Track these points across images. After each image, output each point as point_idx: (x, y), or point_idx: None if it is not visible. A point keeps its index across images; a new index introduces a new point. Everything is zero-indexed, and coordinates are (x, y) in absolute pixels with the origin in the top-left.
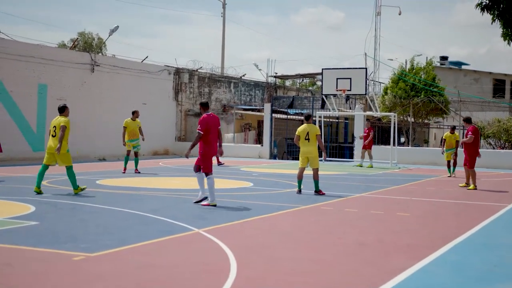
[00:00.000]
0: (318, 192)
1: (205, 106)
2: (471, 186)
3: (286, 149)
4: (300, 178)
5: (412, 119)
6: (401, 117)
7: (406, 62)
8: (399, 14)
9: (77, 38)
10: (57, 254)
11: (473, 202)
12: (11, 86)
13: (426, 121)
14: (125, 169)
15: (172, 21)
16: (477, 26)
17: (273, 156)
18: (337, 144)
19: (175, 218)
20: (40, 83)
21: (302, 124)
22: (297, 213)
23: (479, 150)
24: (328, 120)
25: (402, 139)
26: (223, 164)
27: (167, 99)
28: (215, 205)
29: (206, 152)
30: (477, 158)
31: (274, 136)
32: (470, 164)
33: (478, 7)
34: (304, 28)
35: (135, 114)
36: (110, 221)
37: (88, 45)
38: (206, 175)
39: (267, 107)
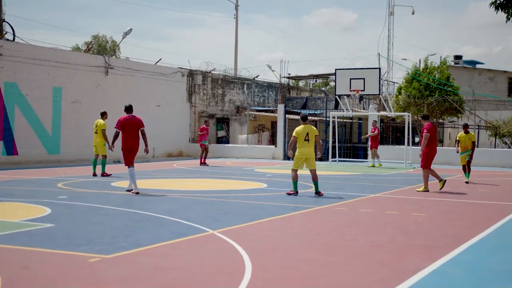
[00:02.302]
0: (318, 193)
1: (126, 109)
2: (421, 188)
3: None
4: (296, 179)
5: None
6: (415, 117)
7: (420, 61)
8: (412, 13)
9: (91, 41)
10: (73, 256)
11: (488, 202)
12: (26, 89)
13: (440, 120)
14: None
15: (185, 23)
16: (491, 25)
17: (287, 157)
18: (351, 145)
19: (190, 219)
20: (55, 86)
21: (303, 124)
22: (312, 214)
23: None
24: (341, 120)
25: (417, 139)
26: (207, 164)
27: (180, 101)
28: (137, 193)
29: (122, 147)
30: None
31: (288, 137)
32: (424, 163)
33: (492, 5)
34: (317, 29)
35: (105, 115)
36: (125, 223)
37: (102, 48)
38: (128, 167)
39: (281, 108)
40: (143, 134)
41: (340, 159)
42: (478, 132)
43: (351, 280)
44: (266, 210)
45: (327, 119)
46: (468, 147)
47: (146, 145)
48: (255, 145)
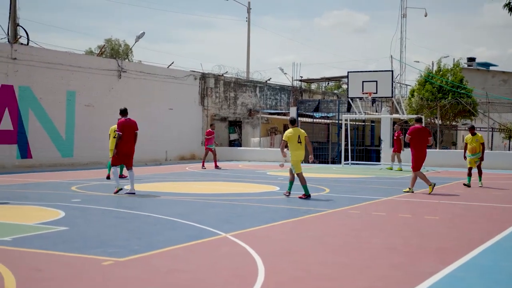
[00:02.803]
0: (307, 196)
1: (121, 113)
2: (406, 189)
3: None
4: (293, 179)
5: (440, 122)
6: (429, 120)
7: (432, 64)
8: (425, 15)
9: (104, 45)
10: (86, 259)
11: (503, 205)
12: (40, 93)
13: (454, 123)
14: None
15: (198, 26)
16: (505, 26)
17: None
18: (364, 147)
19: (202, 222)
20: (68, 90)
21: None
22: (324, 217)
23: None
24: (354, 123)
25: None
26: (219, 168)
27: (193, 104)
28: (119, 189)
29: (120, 151)
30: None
31: None
32: (414, 166)
33: (506, 7)
34: (329, 32)
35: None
36: (138, 226)
37: (115, 52)
38: (128, 169)
39: (293, 110)
40: (136, 138)
41: (352, 162)
42: (492, 135)
43: (365, 283)
44: (278, 213)
45: (340, 122)
46: (476, 150)
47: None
48: (268, 148)
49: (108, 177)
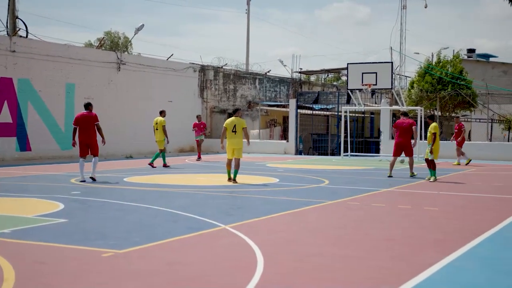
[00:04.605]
0: (234, 180)
1: (84, 107)
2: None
3: (312, 144)
4: (229, 168)
5: (439, 113)
6: (428, 111)
7: (432, 55)
8: (425, 7)
9: (103, 38)
10: (87, 251)
11: (502, 195)
12: (39, 85)
13: (453, 114)
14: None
15: (198, 19)
16: (505, 18)
17: (298, 152)
18: (363, 139)
19: (202, 214)
20: (67, 83)
21: (230, 117)
22: (324, 209)
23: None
24: (353, 115)
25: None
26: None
27: (192, 96)
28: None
29: (79, 141)
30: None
31: (300, 131)
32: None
33: None
34: (330, 24)
35: (163, 113)
36: (138, 218)
37: (115, 44)
38: (93, 156)
39: (292, 102)
40: (99, 129)
41: (352, 153)
42: (492, 126)
43: (366, 274)
44: (278, 204)
45: (339, 113)
46: (430, 140)
47: (103, 138)
48: (267, 140)
49: (164, 166)
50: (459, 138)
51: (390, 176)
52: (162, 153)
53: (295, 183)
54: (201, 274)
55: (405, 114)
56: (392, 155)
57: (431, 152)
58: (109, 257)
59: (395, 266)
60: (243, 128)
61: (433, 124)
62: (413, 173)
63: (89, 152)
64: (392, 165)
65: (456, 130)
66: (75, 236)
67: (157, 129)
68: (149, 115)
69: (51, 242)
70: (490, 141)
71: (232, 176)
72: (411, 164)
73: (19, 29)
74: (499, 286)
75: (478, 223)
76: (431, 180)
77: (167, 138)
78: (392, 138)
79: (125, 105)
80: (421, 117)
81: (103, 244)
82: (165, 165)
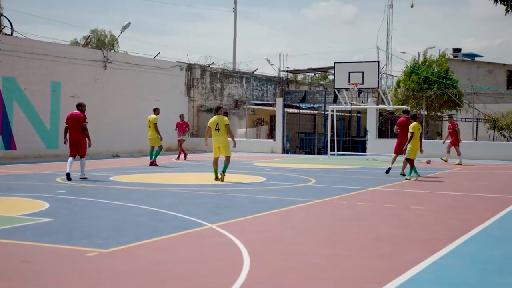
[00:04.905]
0: (223, 173)
1: (76, 106)
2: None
3: (299, 143)
4: (215, 166)
5: (425, 112)
6: (414, 110)
7: (418, 54)
8: (411, 6)
9: (89, 36)
10: (72, 251)
11: (487, 194)
12: (25, 84)
13: (439, 114)
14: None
15: (185, 17)
16: (491, 18)
17: (285, 151)
18: (350, 138)
19: (188, 213)
20: (53, 81)
21: (214, 115)
22: (311, 207)
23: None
24: (340, 114)
25: None
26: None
27: (179, 95)
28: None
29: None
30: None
31: (287, 130)
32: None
33: None
34: (317, 23)
35: (156, 111)
36: (124, 217)
37: (101, 43)
38: (80, 157)
39: (279, 101)
40: (84, 129)
41: (339, 152)
42: (477, 125)
43: (352, 273)
44: (265, 203)
45: (326, 112)
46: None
47: (88, 139)
48: (254, 139)
49: (153, 164)
50: (454, 138)
51: (390, 168)
52: (150, 151)
53: (282, 182)
54: (187, 274)
55: (406, 112)
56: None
57: (405, 150)
58: (94, 256)
59: (382, 264)
60: (225, 125)
61: (412, 124)
62: (403, 172)
63: (78, 152)
64: (393, 161)
65: (450, 130)
66: (60, 236)
67: (149, 127)
68: (135, 114)
69: (36, 242)
70: (476, 140)
71: (221, 171)
72: (405, 163)
73: (4, 26)
74: (484, 283)
75: (464, 221)
76: (414, 179)
77: (160, 135)
78: (395, 136)
79: (112, 103)
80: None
81: (88, 243)
82: (152, 163)
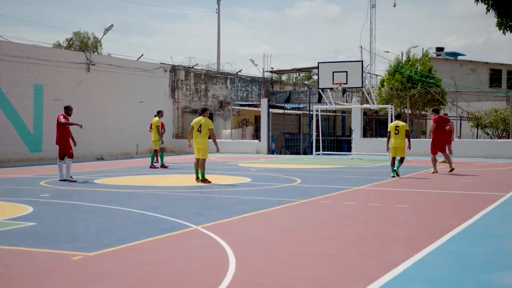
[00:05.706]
0: (203, 180)
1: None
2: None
3: (284, 143)
4: (196, 167)
5: (409, 111)
6: (398, 109)
7: (402, 54)
8: (394, 6)
9: (72, 38)
10: (57, 254)
11: (471, 192)
12: (7, 87)
13: (423, 112)
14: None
15: (168, 19)
16: (473, 16)
17: (271, 151)
18: (335, 138)
19: (174, 215)
20: (35, 84)
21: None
22: (296, 207)
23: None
24: (325, 114)
25: None
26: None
27: (163, 96)
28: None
29: None
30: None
31: (272, 131)
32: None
33: None
34: (300, 22)
35: (160, 113)
36: (109, 220)
37: (84, 45)
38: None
39: (264, 102)
40: (58, 126)
41: (324, 152)
42: (460, 124)
43: (338, 271)
44: (250, 204)
45: (311, 112)
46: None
47: (73, 141)
48: (239, 140)
49: (151, 167)
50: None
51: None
52: (151, 154)
53: (267, 182)
54: (173, 275)
55: (435, 111)
56: (432, 153)
57: (387, 149)
58: (79, 260)
59: (367, 263)
60: (209, 129)
61: (391, 123)
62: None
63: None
64: (434, 163)
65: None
66: (44, 239)
67: (152, 129)
68: (119, 116)
69: (19, 246)
70: (459, 138)
71: (200, 176)
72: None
73: None
74: (469, 281)
75: (448, 219)
76: (395, 177)
77: (161, 138)
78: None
79: (95, 106)
80: (391, 115)
81: (73, 247)
82: (152, 166)
